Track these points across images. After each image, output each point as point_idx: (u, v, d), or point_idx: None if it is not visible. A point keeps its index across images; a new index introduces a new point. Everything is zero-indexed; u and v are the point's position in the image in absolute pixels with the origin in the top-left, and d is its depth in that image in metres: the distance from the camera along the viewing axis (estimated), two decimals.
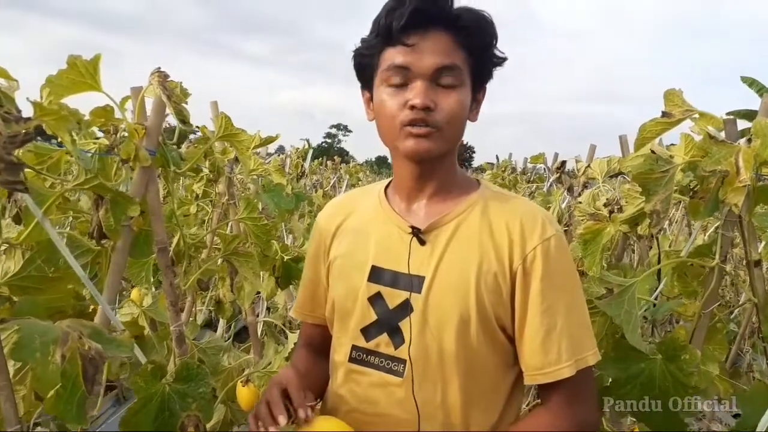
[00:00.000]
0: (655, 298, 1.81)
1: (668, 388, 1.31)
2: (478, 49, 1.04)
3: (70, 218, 2.24)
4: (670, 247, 2.08)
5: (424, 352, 1.04)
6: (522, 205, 1.09)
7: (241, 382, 1.98)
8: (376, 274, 1.09)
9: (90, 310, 1.55)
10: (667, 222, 4.41)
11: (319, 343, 1.25)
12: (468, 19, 1.03)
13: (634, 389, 1.34)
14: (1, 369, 0.93)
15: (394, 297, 1.07)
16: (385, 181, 1.19)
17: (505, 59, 1.08)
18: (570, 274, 1.06)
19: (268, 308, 3.89)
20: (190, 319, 2.45)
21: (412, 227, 1.07)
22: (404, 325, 1.05)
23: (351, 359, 1.11)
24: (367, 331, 1.09)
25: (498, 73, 1.11)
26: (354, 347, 1.11)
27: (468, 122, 1.08)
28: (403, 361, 1.05)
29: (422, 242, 1.06)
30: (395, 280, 1.07)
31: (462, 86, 1.03)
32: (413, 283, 1.05)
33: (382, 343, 1.08)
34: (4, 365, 0.94)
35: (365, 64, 1.08)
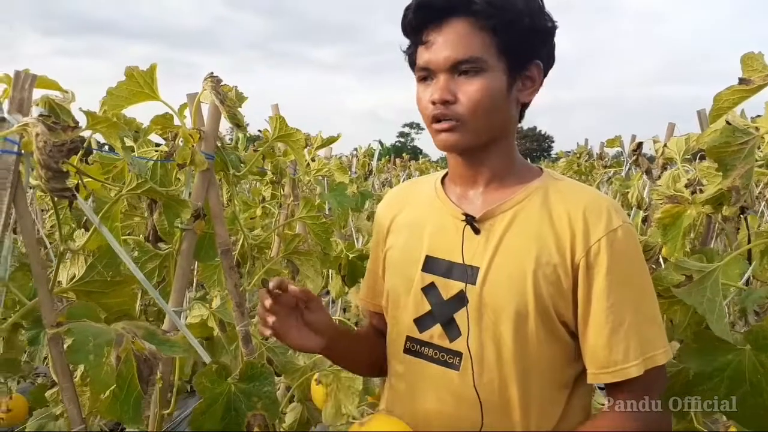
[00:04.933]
0: (747, 284, 1.65)
1: (760, 381, 1.19)
2: (503, 27, 0.97)
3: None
4: (759, 227, 1.91)
5: (480, 345, 1.00)
6: (586, 194, 1.02)
7: (315, 380, 1.99)
8: (430, 264, 1.06)
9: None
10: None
11: (382, 329, 1.23)
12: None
13: (720, 384, 1.22)
14: (63, 371, 0.96)
15: (448, 288, 1.04)
16: (444, 171, 1.16)
17: (550, 28, 1.01)
18: (639, 267, 0.99)
19: (344, 309, 3.92)
20: None
21: (466, 215, 1.03)
22: (459, 317, 1.02)
23: (405, 350, 1.09)
24: (421, 322, 1.07)
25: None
26: (408, 338, 1.09)
27: (533, 104, 1.05)
28: (459, 354, 1.02)
29: (477, 231, 1.02)
30: (450, 270, 1.04)
31: (486, 71, 0.97)
32: (468, 273, 1.01)
33: (436, 334, 1.05)
34: (66, 368, 0.97)
35: (411, 63, 1.07)
